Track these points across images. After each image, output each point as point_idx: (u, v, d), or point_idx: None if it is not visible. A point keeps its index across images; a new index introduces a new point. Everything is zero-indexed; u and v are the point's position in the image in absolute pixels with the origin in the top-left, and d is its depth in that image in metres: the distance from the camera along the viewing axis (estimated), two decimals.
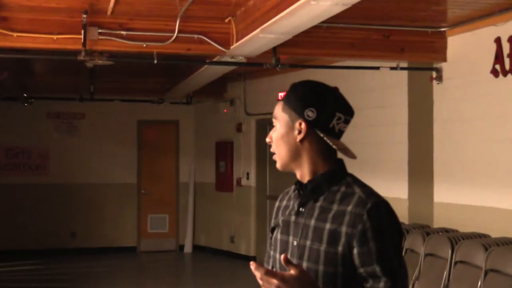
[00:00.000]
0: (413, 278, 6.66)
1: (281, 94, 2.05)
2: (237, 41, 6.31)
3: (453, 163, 7.26)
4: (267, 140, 2.20)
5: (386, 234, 2.00)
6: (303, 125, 2.08)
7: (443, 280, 6.21)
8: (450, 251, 6.26)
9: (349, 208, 2.03)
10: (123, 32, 6.47)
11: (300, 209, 2.14)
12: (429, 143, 7.60)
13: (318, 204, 2.10)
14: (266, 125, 10.94)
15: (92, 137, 12.10)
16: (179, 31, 6.41)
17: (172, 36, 6.46)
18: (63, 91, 11.15)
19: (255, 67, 9.23)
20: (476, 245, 6.09)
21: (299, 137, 2.09)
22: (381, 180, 8.29)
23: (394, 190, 8.07)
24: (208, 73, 8.54)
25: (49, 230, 11.70)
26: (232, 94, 11.57)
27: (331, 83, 7.18)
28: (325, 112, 2.10)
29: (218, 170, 11.94)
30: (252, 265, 1.89)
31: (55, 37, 6.31)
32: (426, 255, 6.64)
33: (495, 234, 6.46)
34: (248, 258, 11.01)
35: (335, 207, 2.06)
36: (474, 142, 6.95)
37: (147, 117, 12.37)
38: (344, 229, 2.01)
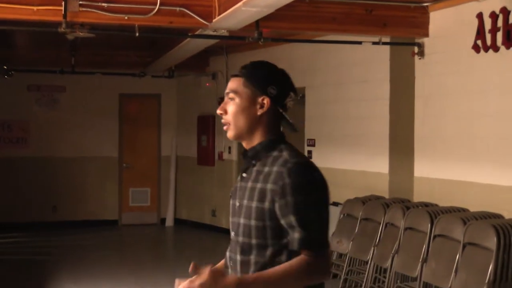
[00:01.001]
0: (393, 251, 6.74)
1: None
2: (219, 14, 6.27)
3: (433, 138, 7.33)
4: (219, 112, 2.43)
5: (303, 189, 2.22)
6: (267, 100, 2.35)
7: (422, 254, 6.30)
8: (429, 225, 6.34)
9: (275, 168, 2.28)
10: (104, 4, 6.40)
11: (243, 174, 2.42)
12: (410, 118, 7.65)
13: (255, 168, 2.36)
14: None
15: (73, 111, 12.01)
16: (161, 4, 6.36)
17: (154, 8, 6.40)
18: (44, 64, 11.02)
19: (237, 41, 9.20)
20: (455, 219, 6.17)
21: (260, 111, 2.35)
22: (362, 155, 8.37)
23: (375, 164, 8.14)
24: (190, 46, 8.50)
25: (31, 203, 11.65)
26: (214, 68, 11.52)
27: (313, 57, 7.30)
28: (283, 91, 2.37)
29: (200, 144, 11.93)
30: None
31: (35, 8, 6.23)
32: (406, 228, 6.71)
33: (473, 208, 6.55)
34: (229, 232, 11.08)
35: (266, 169, 2.32)
36: (455, 117, 7.02)
37: (128, 90, 12.29)
38: (269, 186, 2.26)
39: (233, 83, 2.40)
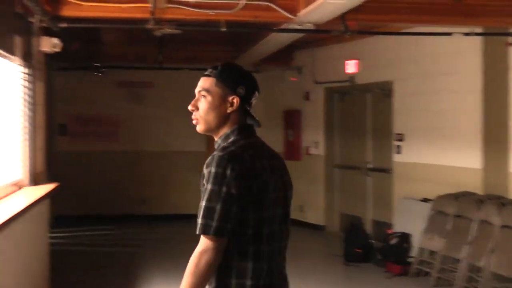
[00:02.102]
0: (488, 250, 6.51)
1: (217, 69, 2.48)
2: (304, 7, 6.20)
3: None
4: (190, 108, 2.67)
5: (214, 179, 2.40)
6: (236, 99, 2.60)
7: None
8: None
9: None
10: (191, 0, 6.46)
11: None
12: (505, 111, 7.36)
13: None
14: (334, 94, 10.82)
15: (160, 106, 12.19)
16: None
17: (239, 3, 6.41)
18: (133, 60, 11.27)
19: (323, 34, 9.11)
20: None
21: (230, 109, 2.60)
22: (452, 149, 8.12)
23: (465, 159, 7.89)
24: (275, 40, 8.46)
25: (120, 196, 11.93)
26: (300, 62, 11.43)
27: (399, 49, 7.08)
28: (249, 90, 2.64)
29: (286, 139, 11.89)
30: None
31: (124, 6, 6.36)
32: (503, 226, 6.47)
33: None
34: (317, 227, 11.00)
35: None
36: None
37: None
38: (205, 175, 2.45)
39: (205, 82, 2.63)
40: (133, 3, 6.36)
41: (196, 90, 2.67)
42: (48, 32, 6.65)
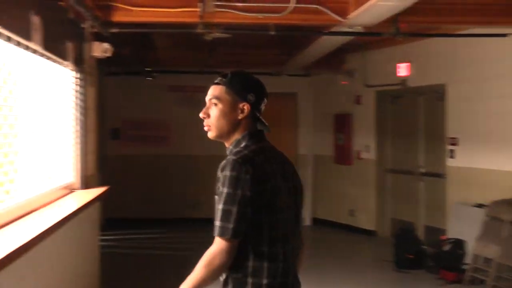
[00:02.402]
0: None
1: (219, 79, 2.56)
2: (355, 9, 6.12)
3: None
4: (201, 115, 2.77)
5: (228, 183, 2.51)
6: (247, 106, 2.69)
7: None
8: None
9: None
10: (239, 4, 6.44)
11: None
12: None
13: None
14: (386, 97, 10.67)
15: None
16: (296, 1, 6.30)
17: (289, 6, 6.36)
18: (183, 65, 11.34)
19: (374, 37, 8.98)
20: None
21: (241, 116, 2.69)
22: (506, 154, 7.90)
23: None
24: (325, 44, 8.39)
25: (173, 199, 12.01)
26: (351, 66, 11.31)
27: (453, 52, 6.90)
28: (259, 97, 2.71)
29: (337, 143, 11.78)
30: None
31: (174, 10, 6.39)
32: None
33: None
34: (368, 232, 10.86)
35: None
36: None
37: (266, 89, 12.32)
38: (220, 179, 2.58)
39: (216, 90, 2.73)
40: (182, 8, 6.38)
41: (207, 98, 2.77)
42: (99, 37, 6.73)
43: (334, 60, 10.99)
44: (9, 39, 4.26)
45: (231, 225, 2.47)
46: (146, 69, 11.34)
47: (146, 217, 11.78)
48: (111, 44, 6.69)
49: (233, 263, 2.54)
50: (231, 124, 2.71)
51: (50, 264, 4.70)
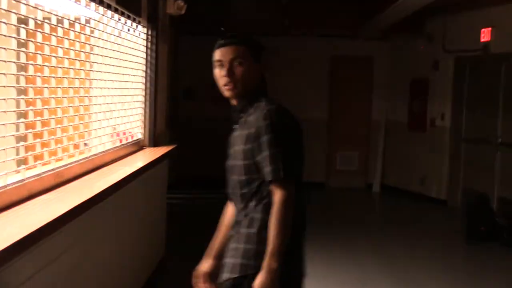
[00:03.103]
0: None
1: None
2: None
3: None
4: (227, 74, 2.87)
5: (273, 129, 2.69)
6: (262, 67, 2.94)
7: None
8: None
9: (255, 115, 2.78)
10: None
11: (235, 126, 2.93)
12: None
13: (243, 119, 2.87)
14: (465, 63, 10.27)
15: (285, 73, 12.10)
16: None
17: None
18: (259, 26, 11.19)
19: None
20: None
21: (258, 74, 2.91)
22: None
23: None
24: (407, 5, 8.08)
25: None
26: (430, 30, 10.91)
27: None
28: (263, 57, 2.96)
29: (411, 109, 11.48)
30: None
31: None
32: None
33: None
34: (438, 202, 10.59)
35: (250, 118, 2.82)
36: None
37: (340, 52, 12.12)
38: (252, 130, 2.75)
39: (239, 50, 2.87)
40: None
41: (226, 58, 2.88)
42: None
43: (413, 23, 10.62)
44: None
45: (284, 166, 2.67)
46: (221, 29, 11.25)
47: (215, 177, 11.78)
48: (184, 2, 6.62)
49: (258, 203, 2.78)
50: (253, 82, 2.89)
51: (119, 217, 4.74)
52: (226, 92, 2.91)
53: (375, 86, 12.27)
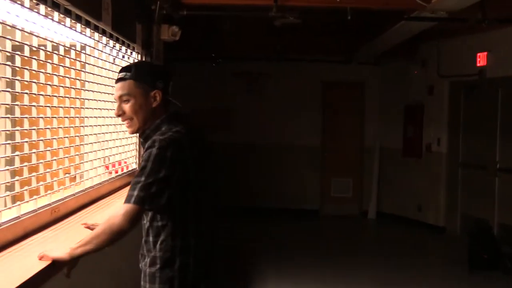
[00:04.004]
0: None
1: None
2: None
3: None
4: (116, 113, 2.80)
5: (149, 158, 2.58)
6: (158, 93, 2.78)
7: None
8: None
9: (146, 146, 2.68)
10: None
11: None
12: None
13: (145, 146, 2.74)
14: (461, 88, 10.15)
15: (275, 98, 11.95)
16: None
17: None
18: (248, 51, 11.04)
19: (450, 25, 8.48)
20: None
21: (155, 103, 2.78)
22: None
23: None
24: (403, 30, 7.95)
25: (232, 188, 11.77)
26: (424, 54, 10.79)
27: None
28: (166, 81, 2.83)
29: (406, 135, 11.33)
30: None
31: None
32: None
33: None
34: (437, 229, 10.40)
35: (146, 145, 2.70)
36: None
37: (332, 78, 12.00)
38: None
39: (124, 87, 2.75)
40: None
41: (116, 96, 2.80)
42: (167, 20, 6.49)
43: (406, 48, 10.49)
44: (78, 18, 4.04)
45: (146, 196, 2.54)
46: (211, 55, 11.10)
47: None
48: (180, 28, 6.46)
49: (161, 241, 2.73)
50: (147, 114, 2.77)
51: (118, 253, 4.50)
52: (127, 129, 2.87)
53: (367, 112, 12.13)
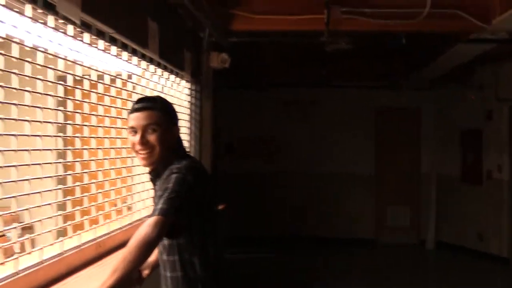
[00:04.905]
0: None
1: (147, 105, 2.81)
2: (500, 14, 5.44)
3: None
4: (141, 141, 2.68)
5: (171, 180, 2.56)
6: (177, 129, 2.83)
7: None
8: None
9: (165, 175, 2.67)
10: (368, 10, 5.91)
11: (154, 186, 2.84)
12: None
13: (157, 183, 2.76)
14: None
15: (325, 125, 11.73)
16: (432, 6, 5.69)
17: (423, 12, 5.76)
18: (297, 78, 10.88)
19: (508, 47, 8.15)
20: None
21: (173, 139, 2.78)
22: None
23: None
24: (460, 53, 7.64)
25: (281, 217, 11.55)
26: (481, 78, 10.42)
27: None
28: (177, 119, 2.85)
29: (464, 161, 10.93)
30: None
31: (296, 18, 5.94)
32: None
33: None
34: (500, 260, 9.94)
35: (161, 180, 2.69)
36: None
37: (384, 104, 11.72)
38: (161, 191, 2.57)
39: (152, 116, 2.70)
40: (306, 15, 5.92)
41: (140, 124, 2.71)
42: (216, 47, 6.39)
43: (461, 72, 10.13)
44: (125, 46, 3.94)
45: (170, 208, 2.45)
46: (258, 82, 10.96)
47: (257, 235, 11.36)
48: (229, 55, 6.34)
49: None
50: (168, 148, 2.74)
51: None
52: (140, 160, 2.77)
53: (423, 138, 11.79)
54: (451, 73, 9.62)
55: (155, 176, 2.78)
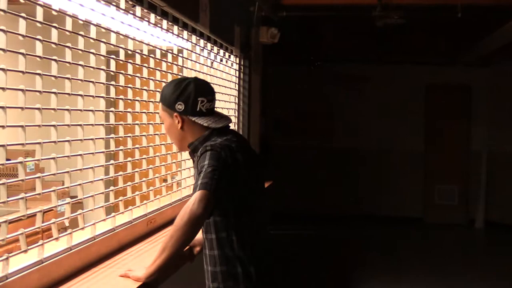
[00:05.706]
0: None
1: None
2: None
3: None
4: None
5: (207, 158, 2.49)
6: (178, 116, 2.68)
7: None
8: None
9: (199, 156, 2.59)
10: None
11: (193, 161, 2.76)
12: None
13: (195, 159, 2.65)
14: None
15: (377, 102, 11.56)
16: None
17: None
18: (349, 53, 10.71)
19: None
20: None
21: (179, 126, 2.70)
22: None
23: None
24: None
25: (333, 195, 11.49)
26: None
27: None
28: (189, 101, 2.66)
29: None
30: None
31: None
32: None
33: None
34: None
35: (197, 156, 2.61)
36: None
37: (435, 80, 11.48)
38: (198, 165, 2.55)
39: (160, 109, 2.77)
40: None
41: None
42: (266, 22, 6.30)
43: None
44: (175, 20, 3.89)
45: (211, 182, 2.39)
46: (310, 57, 10.83)
47: (306, 212, 11.32)
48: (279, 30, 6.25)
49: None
50: (178, 136, 2.73)
51: None
52: None
53: (473, 115, 11.52)
54: (506, 49, 9.33)
55: (192, 150, 2.73)
